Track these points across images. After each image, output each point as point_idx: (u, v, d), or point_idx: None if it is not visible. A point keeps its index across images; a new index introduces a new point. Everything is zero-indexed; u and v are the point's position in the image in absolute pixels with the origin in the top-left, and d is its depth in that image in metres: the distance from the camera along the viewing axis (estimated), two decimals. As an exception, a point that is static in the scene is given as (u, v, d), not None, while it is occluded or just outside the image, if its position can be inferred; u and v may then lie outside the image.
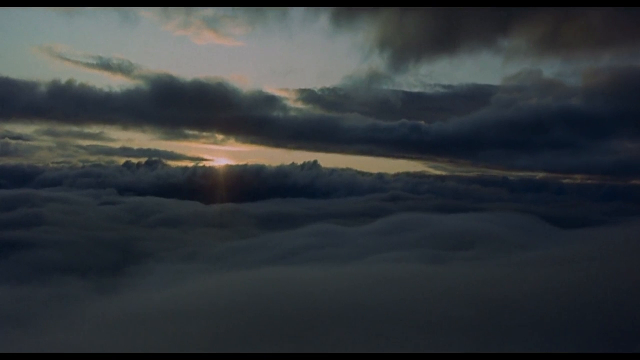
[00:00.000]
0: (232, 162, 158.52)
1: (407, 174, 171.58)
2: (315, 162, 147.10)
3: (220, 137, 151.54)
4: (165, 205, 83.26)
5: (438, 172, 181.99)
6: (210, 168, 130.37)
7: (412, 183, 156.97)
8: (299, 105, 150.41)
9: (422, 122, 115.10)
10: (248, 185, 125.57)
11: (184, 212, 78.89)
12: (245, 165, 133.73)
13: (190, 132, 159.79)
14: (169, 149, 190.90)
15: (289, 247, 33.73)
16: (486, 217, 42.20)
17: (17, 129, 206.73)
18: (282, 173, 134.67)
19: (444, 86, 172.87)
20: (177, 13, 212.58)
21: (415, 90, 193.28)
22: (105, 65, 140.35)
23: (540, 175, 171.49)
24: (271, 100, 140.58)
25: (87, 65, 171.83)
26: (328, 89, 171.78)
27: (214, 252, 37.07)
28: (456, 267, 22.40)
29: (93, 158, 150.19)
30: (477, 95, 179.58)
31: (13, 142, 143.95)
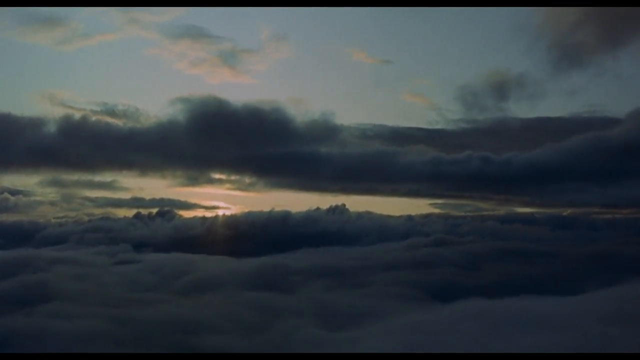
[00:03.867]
0: (251, 209, 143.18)
1: (437, 215, 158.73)
2: (343, 206, 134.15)
3: (248, 181, 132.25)
4: (193, 263, 69.86)
5: (460, 213, 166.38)
6: (233, 217, 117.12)
7: (449, 225, 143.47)
8: (360, 139, 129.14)
9: (490, 154, 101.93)
10: (275, 234, 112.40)
11: (218, 270, 65.56)
12: (271, 212, 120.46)
13: (217, 176, 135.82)
14: (182, 198, 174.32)
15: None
16: None
17: (18, 181, 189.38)
18: (310, 219, 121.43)
19: (468, 121, 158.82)
20: (191, 50, 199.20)
21: (437, 127, 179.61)
22: (111, 112, 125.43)
23: (568, 211, 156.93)
24: (331, 132, 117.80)
25: (92, 113, 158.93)
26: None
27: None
28: None
29: (99, 211, 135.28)
30: (502, 129, 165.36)
31: (13, 198, 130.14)
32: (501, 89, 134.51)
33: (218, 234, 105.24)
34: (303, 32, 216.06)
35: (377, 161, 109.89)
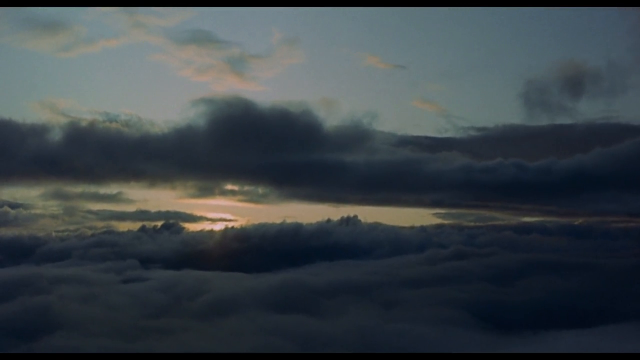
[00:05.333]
0: (259, 221, 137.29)
1: (450, 225, 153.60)
2: (355, 217, 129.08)
3: (262, 192, 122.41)
4: (206, 281, 64.73)
5: (469, 223, 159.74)
6: (243, 230, 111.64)
7: (464, 235, 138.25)
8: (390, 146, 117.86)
9: (523, 160, 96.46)
10: (286, 247, 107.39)
11: (234, 289, 60.36)
12: (282, 224, 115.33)
13: (230, 187, 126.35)
14: (188, 210, 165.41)
15: None
16: None
17: (19, 194, 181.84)
18: (322, 232, 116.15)
19: (477, 129, 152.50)
20: (198, 56, 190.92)
21: (446, 135, 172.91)
22: (113, 122, 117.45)
23: (580, 220, 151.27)
24: (362, 139, 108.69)
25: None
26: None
27: None
28: None
29: (101, 224, 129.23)
30: (512, 136, 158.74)
31: (13, 211, 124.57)
32: (573, 84, 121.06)
33: (228, 247, 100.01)
34: (315, 35, 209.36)
35: (404, 170, 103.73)
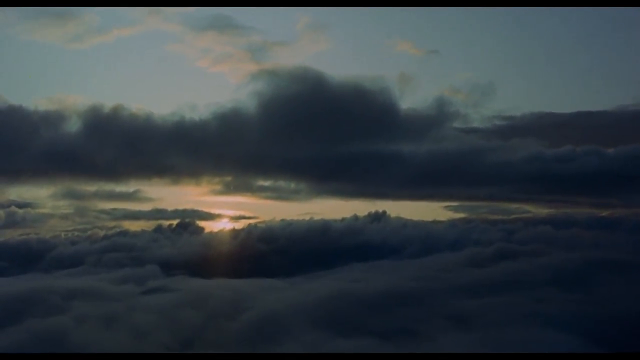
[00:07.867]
0: (280, 218, 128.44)
1: (480, 220, 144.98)
2: (384, 213, 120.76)
3: (293, 188, 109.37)
4: (242, 292, 56.70)
5: (497, 217, 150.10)
6: (269, 229, 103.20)
7: (499, 231, 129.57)
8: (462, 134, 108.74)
9: (600, 147, 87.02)
10: (315, 247, 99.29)
11: (276, 302, 52.12)
12: (309, 221, 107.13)
13: (261, 182, 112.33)
14: (205, 208, 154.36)
15: None
16: None
17: (28, 193, 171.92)
18: (352, 230, 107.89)
19: (504, 118, 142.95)
20: (217, 44, 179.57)
21: (472, 125, 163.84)
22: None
23: (607, 212, 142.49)
24: (440, 122, 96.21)
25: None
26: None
27: None
28: None
29: (112, 224, 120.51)
30: (543, 125, 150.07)
31: (21, 211, 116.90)
32: None
33: (253, 249, 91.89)
34: (343, 20, 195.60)
35: (467, 160, 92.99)
